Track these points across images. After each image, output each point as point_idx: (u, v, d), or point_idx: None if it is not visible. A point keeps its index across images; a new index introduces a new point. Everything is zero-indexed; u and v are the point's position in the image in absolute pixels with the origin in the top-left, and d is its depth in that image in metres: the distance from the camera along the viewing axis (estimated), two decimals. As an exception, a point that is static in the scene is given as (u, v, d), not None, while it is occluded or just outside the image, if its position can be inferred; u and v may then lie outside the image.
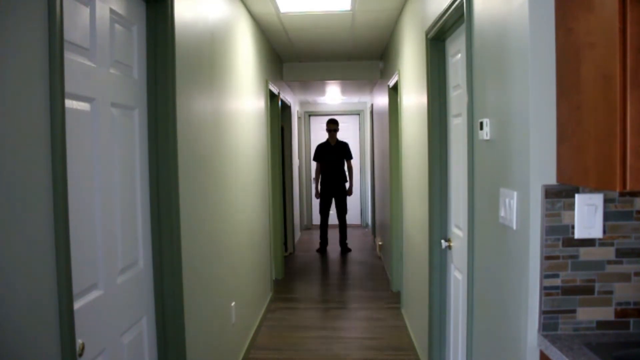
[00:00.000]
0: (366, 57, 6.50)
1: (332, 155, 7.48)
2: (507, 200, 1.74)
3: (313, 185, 7.48)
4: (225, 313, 3.25)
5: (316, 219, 9.84)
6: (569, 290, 1.58)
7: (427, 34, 2.98)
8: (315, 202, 8.57)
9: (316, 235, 8.87)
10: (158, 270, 2.23)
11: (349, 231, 8.90)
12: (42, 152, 1.36)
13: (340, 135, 8.86)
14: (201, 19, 2.77)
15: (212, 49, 3.01)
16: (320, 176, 7.59)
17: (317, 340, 4.23)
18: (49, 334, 1.37)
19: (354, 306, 5.09)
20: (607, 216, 1.56)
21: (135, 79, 2.09)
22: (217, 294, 3.03)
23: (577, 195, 1.55)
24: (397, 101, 4.84)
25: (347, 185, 7.37)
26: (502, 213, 1.79)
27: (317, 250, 7.60)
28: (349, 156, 7.57)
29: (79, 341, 1.56)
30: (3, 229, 1.21)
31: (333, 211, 7.91)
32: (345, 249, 7.61)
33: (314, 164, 8.28)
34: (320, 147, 7.61)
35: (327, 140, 7.59)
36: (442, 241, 2.89)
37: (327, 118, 8.45)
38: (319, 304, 5.19)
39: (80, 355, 1.57)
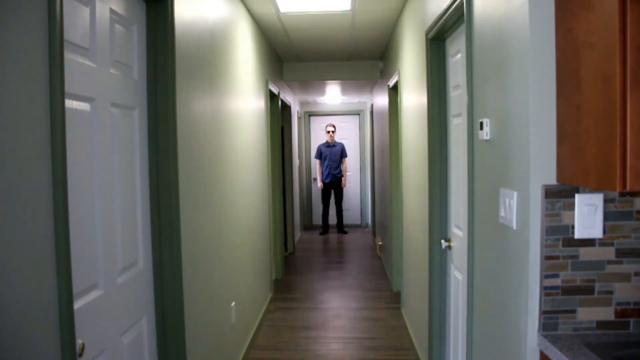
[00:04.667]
0: (366, 57, 6.50)
1: (332, 153, 9.06)
2: (507, 200, 1.74)
3: (317, 178, 9.45)
4: (225, 313, 3.25)
5: (316, 218, 10.14)
6: (569, 290, 1.58)
7: (427, 34, 2.98)
8: (316, 198, 10.13)
9: (316, 235, 9.30)
10: (158, 270, 2.23)
11: (348, 229, 9.75)
12: (42, 152, 1.36)
13: (341, 135, 9.94)
14: (201, 19, 2.77)
15: (212, 49, 3.01)
16: (321, 171, 9.27)
17: (317, 341, 4.23)
18: (49, 334, 1.37)
19: (354, 306, 5.09)
20: (607, 216, 1.56)
21: (135, 79, 2.09)
22: (217, 294, 3.03)
23: (577, 195, 1.55)
24: (397, 101, 4.84)
25: (343, 179, 9.26)
26: (502, 213, 1.79)
27: (320, 233, 9.32)
28: (344, 154, 9.23)
29: (79, 341, 1.56)
30: (3, 229, 1.21)
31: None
32: (341, 231, 9.33)
33: (316, 161, 9.74)
34: (321, 147, 9.20)
35: (327, 140, 9.15)
36: (442, 241, 2.89)
37: (327, 118, 10.09)
38: (319, 304, 5.19)
39: (80, 355, 1.57)
